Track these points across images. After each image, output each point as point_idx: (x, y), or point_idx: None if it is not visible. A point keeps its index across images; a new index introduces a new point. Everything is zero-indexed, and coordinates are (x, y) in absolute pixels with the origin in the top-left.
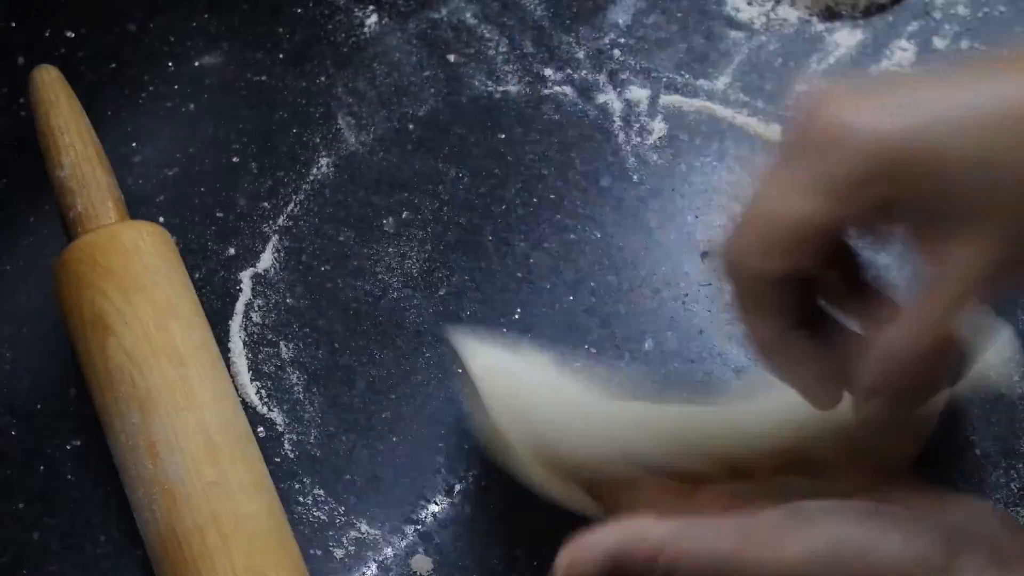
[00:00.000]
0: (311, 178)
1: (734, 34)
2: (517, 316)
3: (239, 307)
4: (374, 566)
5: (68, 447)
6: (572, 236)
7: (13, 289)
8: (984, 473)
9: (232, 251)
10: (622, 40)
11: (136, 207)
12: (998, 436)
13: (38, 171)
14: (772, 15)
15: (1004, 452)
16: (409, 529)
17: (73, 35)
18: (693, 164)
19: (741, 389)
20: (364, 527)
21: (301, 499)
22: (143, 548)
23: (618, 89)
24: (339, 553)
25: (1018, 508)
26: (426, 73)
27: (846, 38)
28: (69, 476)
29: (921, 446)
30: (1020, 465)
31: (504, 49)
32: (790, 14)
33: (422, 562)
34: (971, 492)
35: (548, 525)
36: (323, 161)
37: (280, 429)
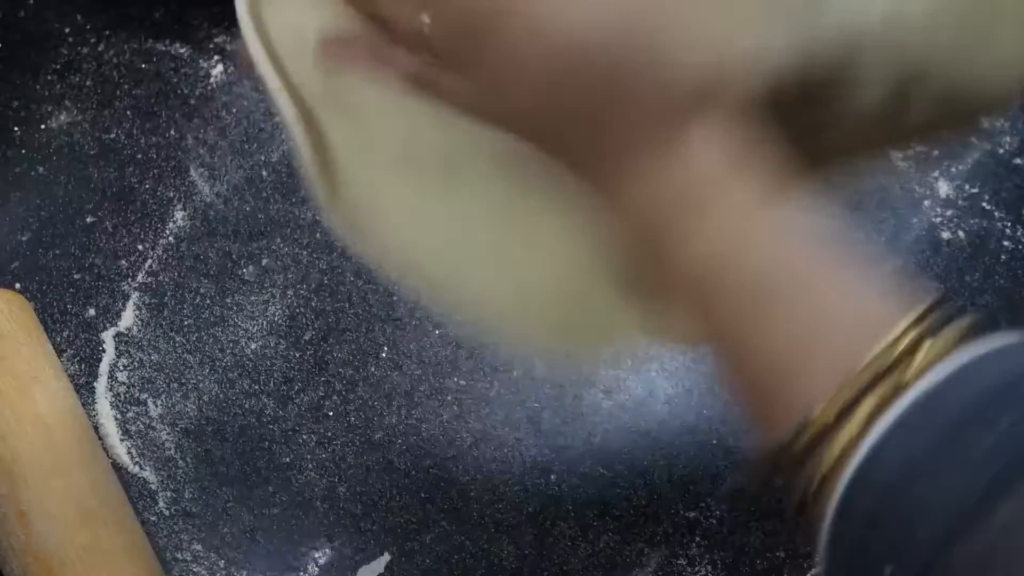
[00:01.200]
0: (167, 232)
1: None
2: (384, 354)
3: (103, 368)
4: None
5: None
6: None
7: None
8: None
9: (92, 312)
10: None
11: None
12: None
13: None
14: None
15: None
16: None
17: None
18: None
19: None
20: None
21: (180, 555)
22: None
23: None
24: None
25: None
26: (276, 118)
27: None
28: None
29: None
30: None
31: None
32: None
33: None
34: None
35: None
36: (178, 215)
37: (153, 487)
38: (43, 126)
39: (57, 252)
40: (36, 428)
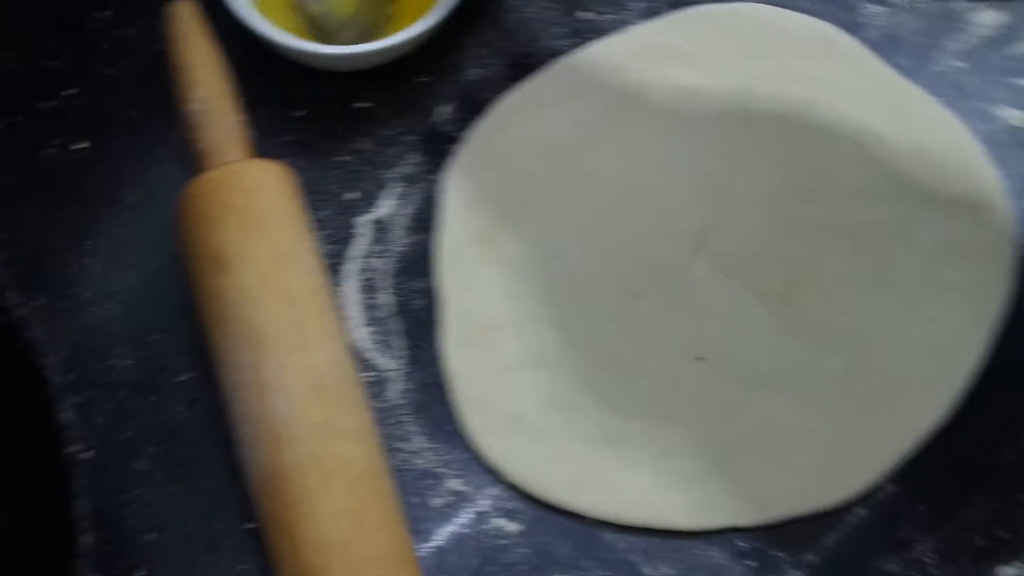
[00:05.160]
0: (435, 127)
1: (873, 8)
2: None
3: (356, 252)
4: (470, 517)
5: (179, 379)
6: None
7: (139, 219)
8: None
9: (353, 195)
10: None
11: (262, 146)
12: None
13: (170, 104)
14: None
15: None
16: (506, 484)
17: None
18: None
19: None
20: (463, 479)
21: (402, 446)
22: (244, 484)
23: None
24: (437, 502)
25: None
26: (557, 29)
27: (988, 19)
28: (178, 408)
29: None
30: None
31: (640, 6)
32: None
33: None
34: None
35: None
36: (448, 111)
37: (387, 376)
38: None
39: (327, 132)
40: (284, 301)
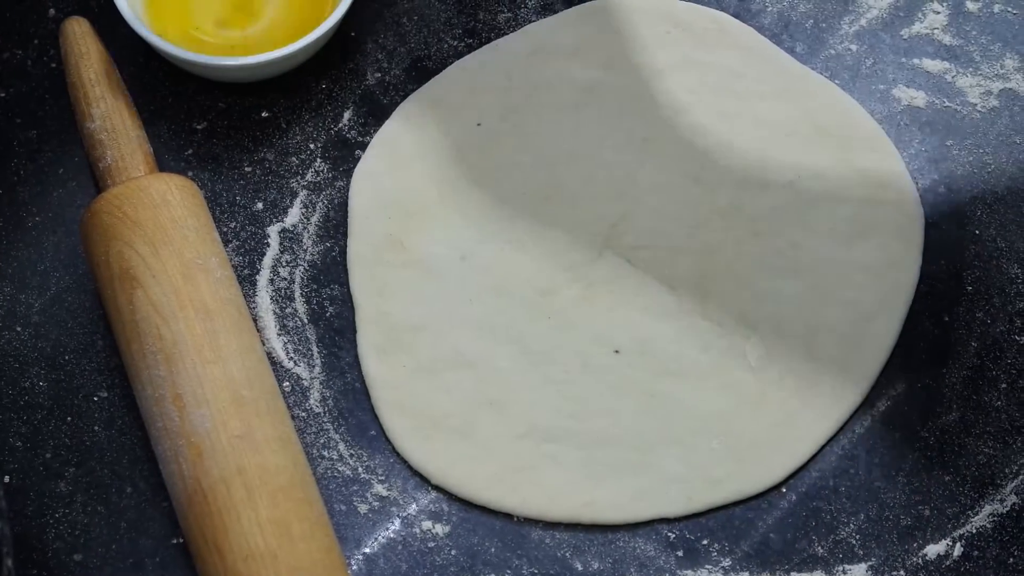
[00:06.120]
0: (338, 133)
1: None
2: None
3: (267, 262)
4: (398, 522)
5: (95, 398)
6: None
7: (42, 240)
8: None
9: (260, 205)
10: None
11: (165, 160)
12: None
13: (68, 123)
14: None
15: None
16: (431, 486)
17: None
18: None
19: None
20: (388, 484)
21: (326, 454)
22: (169, 500)
23: None
24: (363, 508)
25: None
26: (454, 29)
27: (879, 0)
28: (96, 427)
29: None
30: None
31: (535, 3)
32: None
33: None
34: None
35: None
36: (350, 116)
37: (306, 384)
38: None
39: (230, 143)
40: (198, 314)
